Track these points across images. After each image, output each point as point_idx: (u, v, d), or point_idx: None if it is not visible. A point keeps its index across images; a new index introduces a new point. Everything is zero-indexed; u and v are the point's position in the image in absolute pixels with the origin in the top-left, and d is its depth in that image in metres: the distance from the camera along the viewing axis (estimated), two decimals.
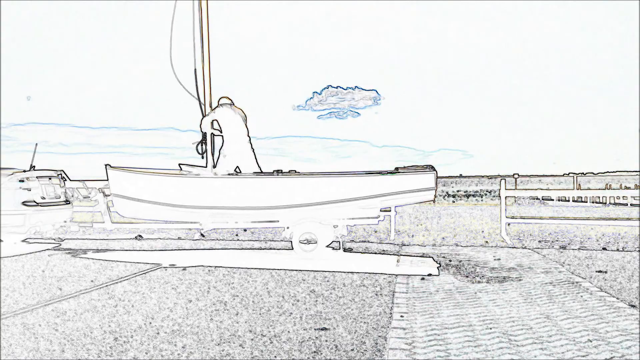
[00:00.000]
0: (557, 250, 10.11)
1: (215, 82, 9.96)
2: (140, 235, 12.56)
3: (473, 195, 33.29)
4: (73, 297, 6.17)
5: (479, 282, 7.08)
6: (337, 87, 30.73)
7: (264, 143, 29.68)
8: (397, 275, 7.51)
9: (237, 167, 9.71)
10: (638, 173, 29.33)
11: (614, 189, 27.66)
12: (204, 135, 9.86)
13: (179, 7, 9.79)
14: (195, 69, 9.75)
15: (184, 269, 8.02)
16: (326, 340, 4.51)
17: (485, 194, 32.91)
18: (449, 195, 33.66)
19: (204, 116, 9.86)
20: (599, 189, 28.97)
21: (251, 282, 7.04)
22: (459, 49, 28.86)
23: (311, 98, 31.14)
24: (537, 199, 31.37)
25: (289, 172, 9.70)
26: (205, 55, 9.79)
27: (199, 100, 9.82)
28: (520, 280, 7.16)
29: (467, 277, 7.42)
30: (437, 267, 8.13)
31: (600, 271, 7.78)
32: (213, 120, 9.84)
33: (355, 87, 30.65)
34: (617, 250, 10.08)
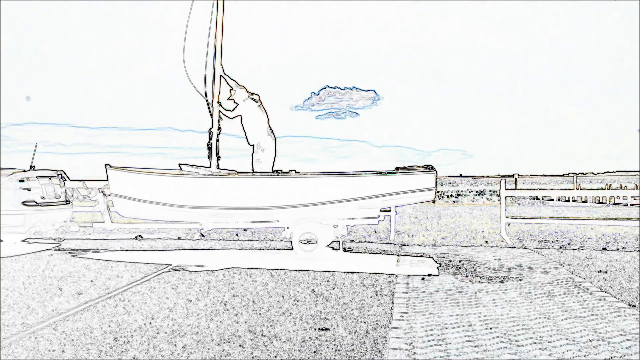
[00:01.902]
0: (557, 250, 10.11)
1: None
2: (140, 235, 12.56)
3: (472, 195, 33.28)
4: (73, 297, 6.16)
5: (479, 282, 7.08)
6: (334, 88, 30.68)
7: None
8: (397, 275, 7.51)
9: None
10: (638, 173, 29.33)
11: (614, 189, 27.66)
12: (210, 135, 9.86)
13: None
14: (205, 74, 9.82)
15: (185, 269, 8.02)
16: (326, 340, 4.51)
17: (488, 195, 32.90)
18: (449, 195, 33.66)
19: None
20: (599, 189, 28.98)
21: (251, 282, 7.04)
22: (458, 48, 28.85)
23: (309, 98, 31.08)
24: (537, 199, 31.38)
25: (289, 172, 9.70)
26: (218, 57, 9.86)
27: (207, 101, 9.85)
28: (520, 280, 7.16)
29: (467, 277, 7.42)
30: (437, 267, 8.13)
31: (600, 271, 7.78)
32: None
33: (353, 87, 30.61)
34: (617, 250, 10.07)
